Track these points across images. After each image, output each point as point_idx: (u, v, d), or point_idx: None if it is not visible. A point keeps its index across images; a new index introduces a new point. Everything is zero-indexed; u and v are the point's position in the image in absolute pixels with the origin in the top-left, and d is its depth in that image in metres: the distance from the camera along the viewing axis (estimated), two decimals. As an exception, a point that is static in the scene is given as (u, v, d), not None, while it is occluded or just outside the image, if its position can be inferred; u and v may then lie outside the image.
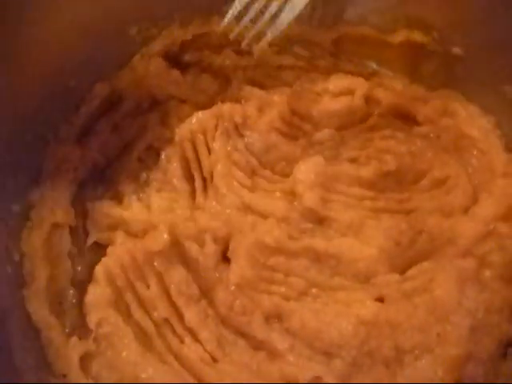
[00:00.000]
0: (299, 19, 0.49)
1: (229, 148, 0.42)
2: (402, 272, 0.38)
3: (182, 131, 0.42)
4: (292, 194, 0.42)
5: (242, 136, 0.43)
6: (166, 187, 0.42)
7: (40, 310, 0.34)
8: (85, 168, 0.43)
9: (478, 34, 0.40)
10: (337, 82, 0.47)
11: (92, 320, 0.35)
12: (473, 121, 0.42)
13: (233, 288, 0.37)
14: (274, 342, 0.35)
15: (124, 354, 0.34)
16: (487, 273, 0.36)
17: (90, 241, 0.41)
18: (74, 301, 0.37)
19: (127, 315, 0.36)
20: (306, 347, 0.35)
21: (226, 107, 0.43)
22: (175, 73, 0.46)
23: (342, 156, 0.43)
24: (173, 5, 0.44)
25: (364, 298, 0.37)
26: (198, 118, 0.43)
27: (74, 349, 0.33)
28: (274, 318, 0.36)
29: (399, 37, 0.44)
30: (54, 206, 0.40)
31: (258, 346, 0.36)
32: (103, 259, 0.37)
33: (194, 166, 0.43)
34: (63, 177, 0.41)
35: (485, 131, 0.41)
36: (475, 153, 0.41)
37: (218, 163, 0.41)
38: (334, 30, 0.46)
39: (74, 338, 0.34)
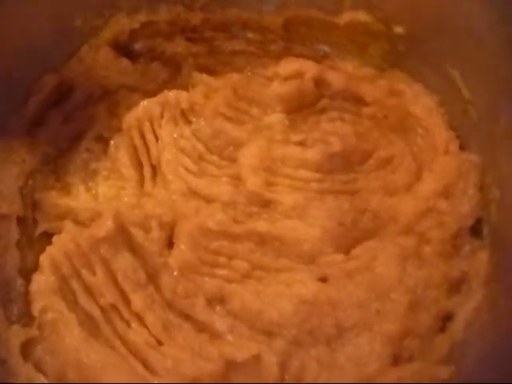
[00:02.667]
0: (249, 4, 0.50)
1: (175, 135, 0.42)
2: (347, 252, 0.38)
3: (129, 119, 0.43)
4: (238, 179, 0.42)
5: (188, 122, 0.43)
6: (114, 176, 0.42)
7: (-17, 299, 0.35)
8: (34, 159, 0.43)
9: (419, 13, 0.41)
10: (287, 66, 0.46)
11: (36, 307, 0.35)
12: (417, 100, 0.42)
13: (176, 272, 0.37)
14: (215, 324, 0.35)
15: (67, 339, 0.34)
16: (427, 249, 0.37)
17: (38, 231, 0.41)
18: (22, 290, 0.37)
19: (73, 302, 0.36)
20: (247, 328, 0.35)
21: (171, 94, 0.43)
22: (124, 62, 0.46)
23: (290, 139, 0.43)
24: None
25: (306, 279, 0.37)
26: (144, 106, 0.43)
27: (16, 335, 0.33)
28: (217, 300, 0.37)
29: (345, 17, 0.44)
30: (2, 197, 0.40)
31: (201, 328, 0.36)
32: (48, 248, 0.37)
33: (142, 153, 0.43)
34: (10, 168, 0.42)
35: (429, 110, 0.41)
36: (420, 131, 0.41)
37: (165, 150, 0.42)
38: (281, 14, 0.46)
39: (16, 326, 0.34)
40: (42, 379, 0.32)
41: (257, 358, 0.33)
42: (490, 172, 0.36)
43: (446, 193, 0.37)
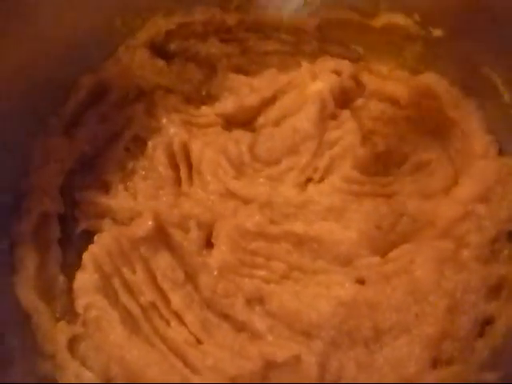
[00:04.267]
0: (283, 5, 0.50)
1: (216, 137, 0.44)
2: (383, 254, 0.39)
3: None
4: (275, 180, 0.43)
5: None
6: (152, 175, 0.43)
7: (29, 296, 0.36)
8: (73, 158, 0.44)
9: (458, 16, 0.41)
10: (323, 65, 0.47)
11: (80, 305, 0.36)
12: (455, 103, 0.42)
13: (215, 272, 0.38)
14: (255, 324, 0.36)
15: (111, 336, 0.35)
16: (465, 253, 0.37)
17: (78, 229, 0.42)
18: (64, 287, 0.38)
19: (114, 300, 0.37)
20: (286, 328, 0.36)
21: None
22: (160, 63, 0.47)
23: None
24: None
25: (344, 281, 0.38)
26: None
27: (62, 332, 0.35)
28: (256, 300, 0.37)
29: (381, 20, 0.45)
30: (42, 196, 0.41)
31: (240, 327, 0.37)
32: (90, 246, 0.38)
33: (179, 154, 0.44)
34: (51, 167, 0.42)
35: (467, 114, 0.41)
36: (457, 135, 0.41)
37: (206, 151, 0.43)
38: (316, 15, 0.47)
39: (62, 322, 0.35)
40: (88, 374, 0.33)
41: (296, 359, 0.34)
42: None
43: (484, 197, 0.37)
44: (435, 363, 0.34)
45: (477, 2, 0.39)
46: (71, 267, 0.40)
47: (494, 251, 0.36)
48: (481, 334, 0.34)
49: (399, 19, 0.43)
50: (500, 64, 0.38)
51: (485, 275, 0.36)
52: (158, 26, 0.47)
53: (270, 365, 0.34)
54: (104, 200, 0.42)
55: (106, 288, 0.38)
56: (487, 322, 0.35)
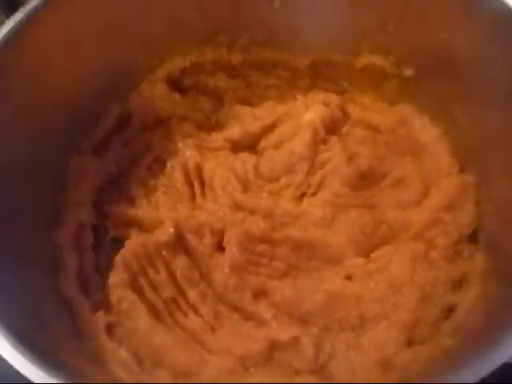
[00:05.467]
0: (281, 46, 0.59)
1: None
2: (367, 255, 0.46)
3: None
4: (276, 194, 0.51)
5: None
6: (171, 191, 0.50)
7: (71, 291, 0.42)
8: (101, 177, 0.51)
9: (426, 59, 0.49)
10: (314, 97, 0.56)
11: (113, 298, 0.43)
12: (424, 130, 0.50)
13: (227, 270, 0.45)
14: (261, 313, 0.43)
15: (140, 324, 0.42)
16: (434, 253, 0.44)
17: (109, 237, 0.49)
18: (98, 284, 0.45)
19: (141, 294, 0.44)
20: (287, 316, 0.43)
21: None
22: (176, 95, 0.55)
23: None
24: (174, 39, 0.53)
25: (334, 277, 0.45)
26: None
27: (101, 319, 0.41)
28: (261, 294, 0.44)
29: (363, 61, 0.53)
30: (79, 209, 0.48)
31: (248, 317, 0.44)
32: (121, 250, 0.45)
33: (194, 173, 0.51)
34: (84, 184, 0.50)
35: (434, 139, 0.49)
36: (427, 156, 0.49)
37: (217, 171, 0.50)
38: (308, 56, 0.55)
39: (100, 312, 0.42)
40: (124, 353, 0.40)
41: (296, 340, 0.41)
42: (484, 190, 0.44)
43: (448, 207, 0.45)
44: (410, 343, 0.41)
45: (443, 49, 0.47)
46: (103, 268, 0.47)
47: (457, 251, 0.44)
48: (446, 318, 0.42)
49: (377, 60, 0.51)
50: (458, 98, 0.46)
51: (450, 271, 0.43)
52: (175, 64, 0.54)
53: (273, 345, 0.41)
54: (130, 212, 0.49)
55: (135, 284, 0.45)
56: (451, 309, 0.42)
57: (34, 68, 0.44)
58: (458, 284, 0.43)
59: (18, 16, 0.41)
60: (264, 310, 0.43)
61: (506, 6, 0.36)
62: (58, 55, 0.46)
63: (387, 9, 0.46)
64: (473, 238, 0.44)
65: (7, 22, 0.41)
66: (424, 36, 0.46)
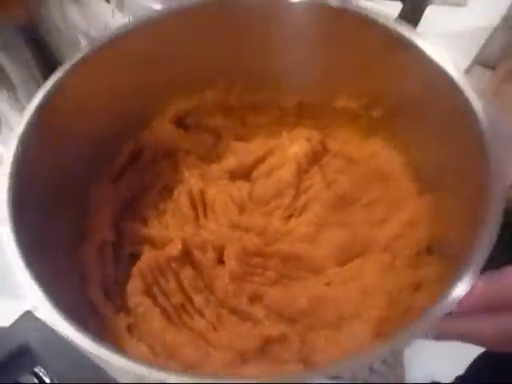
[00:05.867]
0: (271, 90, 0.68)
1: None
2: (343, 266, 0.55)
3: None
4: (268, 216, 0.60)
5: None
6: (178, 213, 0.58)
7: (96, 296, 0.51)
8: (118, 202, 0.60)
9: (392, 102, 0.59)
10: (298, 134, 0.65)
11: (131, 303, 0.51)
12: (390, 160, 0.59)
13: (226, 280, 0.53)
14: (256, 314, 0.51)
15: (154, 325, 0.50)
16: (398, 263, 0.53)
17: (125, 252, 0.58)
18: (118, 292, 0.53)
19: (155, 300, 0.52)
20: (277, 316, 0.51)
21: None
22: (181, 132, 0.63)
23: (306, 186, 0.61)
24: (180, 89, 0.61)
25: (317, 284, 0.54)
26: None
27: (122, 320, 0.49)
28: (256, 298, 0.52)
29: (339, 103, 0.62)
30: (100, 230, 0.57)
31: (245, 318, 0.51)
32: (138, 263, 0.53)
33: (198, 198, 0.60)
34: (104, 208, 0.58)
35: (398, 167, 0.58)
36: (392, 183, 0.59)
37: (218, 196, 0.59)
38: (294, 99, 0.64)
39: (121, 313, 0.50)
40: (143, 348, 0.48)
41: (284, 336, 0.49)
42: (439, 209, 0.53)
43: (410, 224, 0.54)
44: (379, 336, 0.50)
45: (398, 96, 0.56)
46: (122, 278, 0.55)
47: (417, 261, 0.53)
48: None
49: (351, 103, 0.60)
50: (415, 133, 0.56)
51: (412, 278, 0.52)
52: (180, 107, 0.63)
53: (266, 340, 0.49)
54: (144, 231, 0.57)
55: (149, 292, 0.52)
56: (411, 308, 0.51)
57: (67, 119, 0.53)
58: (418, 287, 0.51)
59: (53, 79, 0.50)
60: (258, 312, 0.51)
61: (433, 62, 0.46)
62: (85, 110, 0.54)
63: (355, 64, 0.56)
64: (429, 249, 0.53)
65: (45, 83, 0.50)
66: (383, 85, 0.56)
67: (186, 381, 0.33)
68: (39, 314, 0.37)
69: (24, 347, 0.35)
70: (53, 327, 0.36)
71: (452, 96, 0.44)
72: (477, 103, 0.42)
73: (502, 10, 0.93)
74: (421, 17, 0.54)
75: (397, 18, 0.53)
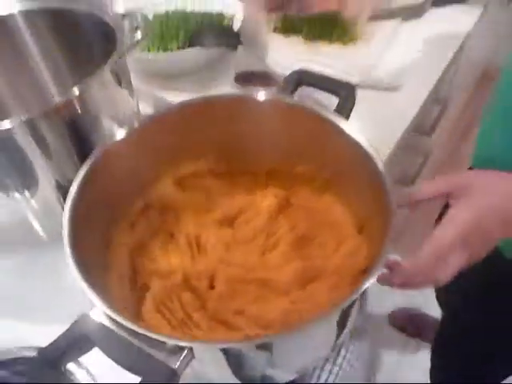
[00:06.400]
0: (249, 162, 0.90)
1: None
2: (303, 289, 0.74)
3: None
4: (247, 252, 0.78)
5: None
6: (179, 252, 0.75)
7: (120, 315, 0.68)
8: (132, 244, 0.78)
9: (335, 169, 0.80)
10: (269, 192, 0.85)
11: (146, 317, 0.68)
12: (338, 210, 0.80)
13: (217, 300, 0.71)
14: (239, 324, 0.68)
15: (163, 332, 0.67)
16: (342, 283, 0.72)
17: (139, 284, 0.75)
18: (134, 312, 0.70)
19: (163, 316, 0.68)
20: (255, 325, 0.67)
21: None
22: (180, 192, 0.81)
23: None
24: (178, 163, 0.80)
25: (285, 302, 0.71)
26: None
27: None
28: (239, 313, 0.70)
29: (298, 170, 0.82)
30: (119, 266, 0.74)
31: (231, 328, 0.68)
32: (150, 290, 0.71)
33: (194, 241, 0.79)
34: (121, 250, 0.76)
35: (344, 215, 0.79)
36: (338, 226, 0.78)
37: (210, 239, 0.78)
38: (264, 167, 0.85)
39: (140, 322, 0.67)
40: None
41: (259, 335, 0.67)
42: (372, 244, 0.72)
43: (350, 255, 0.73)
44: (330, 336, 0.67)
45: (336, 163, 0.78)
46: (136, 303, 0.72)
47: (357, 280, 0.72)
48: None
49: (307, 169, 0.82)
50: (352, 191, 0.77)
51: (352, 293, 0.71)
52: (179, 173, 0.81)
53: (246, 339, 0.66)
54: (153, 267, 0.76)
55: (159, 309, 0.70)
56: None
57: (100, 184, 0.71)
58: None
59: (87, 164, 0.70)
60: (241, 323, 0.69)
61: (355, 141, 0.68)
62: (112, 178, 0.70)
63: (307, 142, 0.78)
64: (365, 270, 0.72)
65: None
66: (328, 157, 0.77)
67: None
68: (94, 315, 0.53)
69: (83, 335, 0.51)
70: (107, 323, 0.53)
71: (367, 163, 0.66)
72: (381, 166, 0.64)
73: (430, 87, 1.06)
74: (351, 110, 0.77)
75: (334, 110, 0.76)
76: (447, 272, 0.57)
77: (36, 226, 0.84)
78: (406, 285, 0.62)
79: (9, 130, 0.67)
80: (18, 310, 0.81)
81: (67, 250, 0.58)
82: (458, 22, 1.37)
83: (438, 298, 1.57)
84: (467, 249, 0.57)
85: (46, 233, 0.85)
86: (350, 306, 0.58)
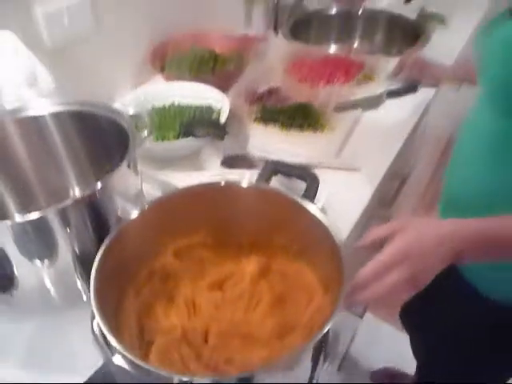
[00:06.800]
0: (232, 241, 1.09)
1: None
2: (281, 339, 0.90)
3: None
4: (234, 311, 0.95)
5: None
6: (178, 312, 0.90)
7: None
8: (138, 306, 0.94)
9: (304, 241, 0.99)
10: (251, 260, 1.03)
11: (152, 361, 0.83)
12: (307, 276, 0.98)
13: (210, 351, 0.86)
14: (230, 371, 0.83)
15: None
16: (313, 335, 0.89)
17: (145, 340, 0.89)
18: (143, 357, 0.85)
19: (166, 363, 0.84)
20: (242, 371, 0.84)
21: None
22: (178, 262, 1.00)
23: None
24: (176, 238, 1.01)
25: (265, 351, 0.86)
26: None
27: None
28: (229, 361, 0.82)
29: (276, 241, 1.01)
30: (129, 326, 0.90)
31: (222, 373, 0.85)
32: (155, 345, 0.85)
33: (190, 303, 0.95)
34: (129, 314, 0.92)
35: (311, 279, 0.96)
36: (307, 287, 0.95)
37: (202, 301, 0.95)
38: (247, 239, 1.04)
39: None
40: None
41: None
42: (334, 301, 0.90)
43: (318, 310, 0.89)
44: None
45: (310, 237, 0.98)
46: (145, 354, 0.87)
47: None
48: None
49: (283, 241, 1.01)
50: (315, 259, 0.96)
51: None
52: (177, 246, 1.00)
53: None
54: (156, 326, 0.91)
55: (162, 359, 0.84)
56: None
57: (114, 254, 0.90)
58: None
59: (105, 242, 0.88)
60: (230, 369, 0.84)
61: (318, 219, 0.88)
62: (120, 255, 0.92)
63: (282, 219, 0.97)
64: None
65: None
66: (298, 231, 0.96)
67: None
68: (116, 361, 0.69)
69: (107, 373, 0.67)
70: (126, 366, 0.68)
71: (328, 237, 0.85)
72: (338, 239, 0.83)
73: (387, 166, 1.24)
74: (316, 193, 0.97)
75: (302, 194, 0.96)
76: (385, 285, 0.66)
77: (52, 292, 0.99)
78: (350, 302, 0.71)
79: (43, 216, 0.85)
80: (42, 366, 0.95)
81: (97, 313, 0.74)
82: (410, 109, 1.64)
83: (414, 352, 1.70)
84: (409, 265, 0.65)
85: (60, 298, 1.00)
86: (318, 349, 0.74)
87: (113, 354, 0.68)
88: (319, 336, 0.69)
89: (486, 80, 0.89)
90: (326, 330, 0.69)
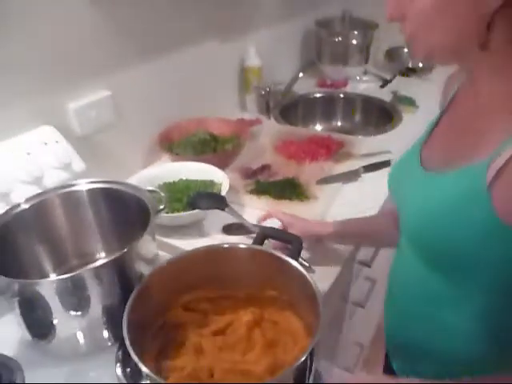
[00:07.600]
0: (231, 289, 1.29)
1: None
2: (273, 376, 1.08)
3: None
4: (234, 353, 1.14)
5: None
6: (187, 354, 1.08)
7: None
8: (155, 349, 1.13)
9: (290, 293, 1.20)
10: (247, 312, 1.23)
11: None
12: (295, 322, 1.18)
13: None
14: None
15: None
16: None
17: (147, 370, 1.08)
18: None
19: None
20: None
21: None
22: (187, 313, 1.21)
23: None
24: (184, 292, 1.22)
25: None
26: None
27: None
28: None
29: (267, 294, 1.22)
30: (148, 362, 1.08)
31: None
32: (169, 380, 1.05)
33: (197, 347, 1.14)
34: (149, 353, 1.11)
35: (297, 324, 1.16)
36: (295, 332, 1.16)
37: (209, 344, 1.14)
38: (243, 293, 1.25)
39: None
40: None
41: None
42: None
43: (302, 350, 1.09)
44: None
45: (295, 288, 1.19)
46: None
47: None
48: None
49: (273, 294, 1.23)
50: (302, 308, 1.16)
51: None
52: (185, 300, 1.22)
53: None
54: (169, 366, 1.09)
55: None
56: None
57: (136, 312, 1.11)
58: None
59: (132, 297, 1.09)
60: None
61: (300, 271, 1.09)
62: (141, 308, 1.13)
63: (270, 273, 1.19)
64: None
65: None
66: (285, 284, 1.18)
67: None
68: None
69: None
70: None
71: (309, 289, 1.06)
72: (317, 291, 1.04)
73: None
74: (300, 253, 1.20)
75: (288, 254, 1.18)
76: None
77: (81, 339, 1.18)
78: None
79: (81, 274, 1.07)
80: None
81: (135, 357, 0.94)
82: (384, 180, 1.90)
83: None
84: None
85: (87, 346, 1.19)
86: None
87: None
88: (299, 361, 0.89)
89: (402, 226, 1.02)
90: (303, 358, 0.89)
